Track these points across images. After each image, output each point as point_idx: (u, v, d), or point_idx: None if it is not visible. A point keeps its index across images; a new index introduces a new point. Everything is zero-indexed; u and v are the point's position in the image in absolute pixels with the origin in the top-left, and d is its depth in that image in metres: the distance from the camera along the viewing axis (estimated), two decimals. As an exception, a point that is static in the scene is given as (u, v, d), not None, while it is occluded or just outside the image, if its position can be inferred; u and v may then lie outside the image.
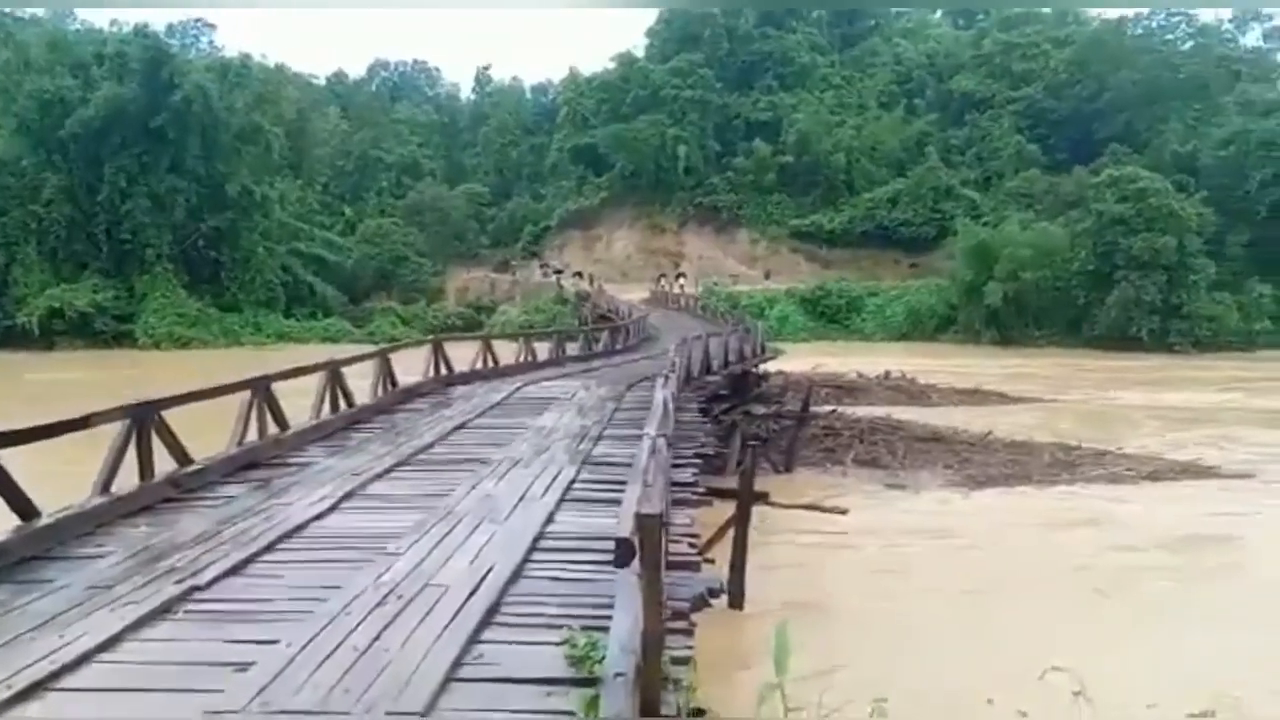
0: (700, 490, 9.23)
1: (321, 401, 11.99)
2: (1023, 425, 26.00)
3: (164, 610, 5.59)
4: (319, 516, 7.89)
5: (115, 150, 60.90)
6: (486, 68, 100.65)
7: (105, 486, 7.90)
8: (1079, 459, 21.86)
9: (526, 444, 11.14)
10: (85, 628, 5.23)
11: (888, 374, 35.46)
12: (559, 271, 76.94)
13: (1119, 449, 22.64)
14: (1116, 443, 23.43)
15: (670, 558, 6.18)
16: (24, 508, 7.13)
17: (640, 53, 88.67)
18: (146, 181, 61.61)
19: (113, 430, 8.27)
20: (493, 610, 5.47)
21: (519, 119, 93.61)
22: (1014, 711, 8.45)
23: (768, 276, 73.42)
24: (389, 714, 4.10)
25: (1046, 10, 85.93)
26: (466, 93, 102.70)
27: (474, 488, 8.91)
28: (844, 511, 15.82)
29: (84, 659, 4.83)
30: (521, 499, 8.43)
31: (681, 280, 71.87)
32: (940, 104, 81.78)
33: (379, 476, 9.46)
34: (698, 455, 10.63)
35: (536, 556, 6.69)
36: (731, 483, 13.09)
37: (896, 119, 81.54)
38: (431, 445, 11.13)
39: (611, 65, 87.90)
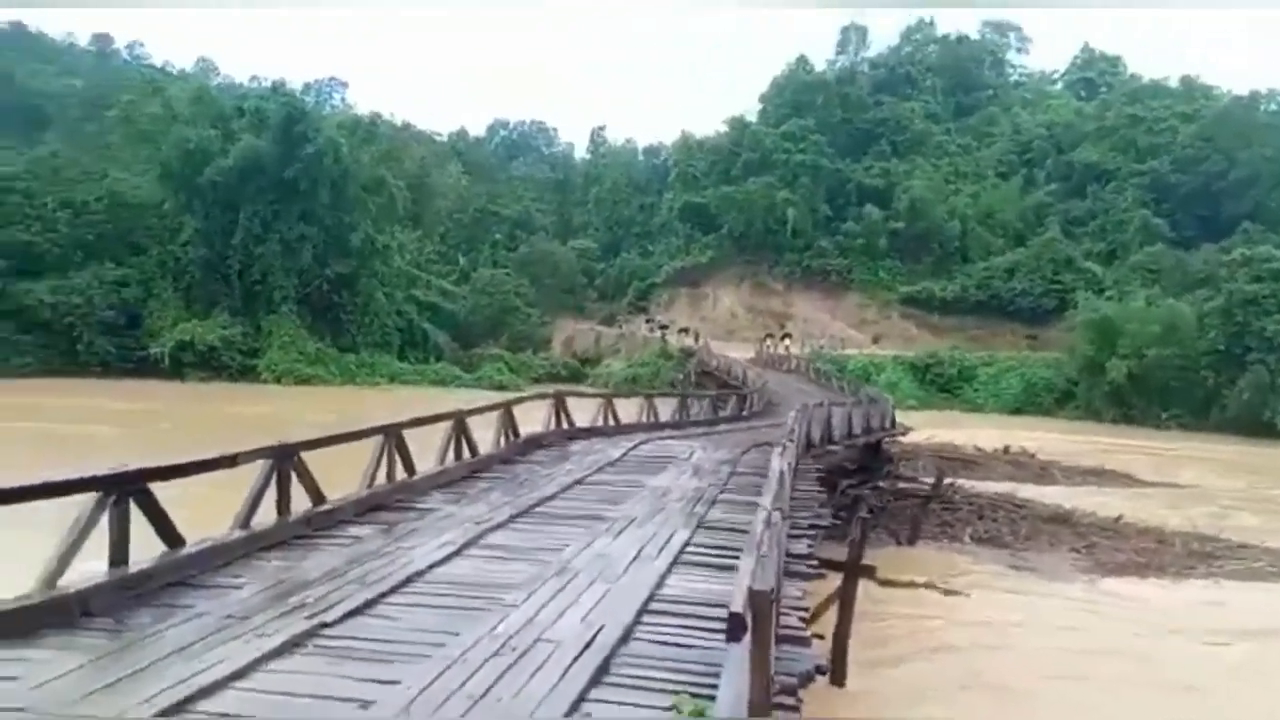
0: (814, 563, 9.05)
1: (446, 449, 12.18)
2: (1154, 511, 24.65)
3: (294, 644, 5.78)
4: (441, 562, 8.05)
5: (250, 198, 64.15)
6: (601, 128, 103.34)
7: (245, 521, 8.09)
8: (1216, 551, 20.56)
9: (642, 504, 11.10)
10: (221, 655, 5.47)
11: (1007, 448, 34.26)
12: (664, 327, 77.25)
13: (1262, 543, 21.21)
14: (1260, 536, 21.96)
15: (780, 630, 6.07)
16: (171, 536, 7.38)
17: (752, 117, 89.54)
18: (277, 228, 64.67)
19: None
20: (602, 669, 5.51)
21: (630, 178, 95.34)
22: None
23: (876, 341, 72.28)
24: None
25: (1174, 84, 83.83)
26: (581, 152, 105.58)
27: (589, 545, 8.94)
28: (966, 595, 15.27)
29: (220, 685, 5.05)
30: (635, 559, 8.43)
31: (787, 341, 71.25)
32: (1061, 175, 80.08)
33: (498, 526, 9.55)
34: (813, 526, 10.38)
35: (647, 619, 6.66)
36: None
37: (1014, 188, 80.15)
38: (550, 498, 11.18)
39: (723, 129, 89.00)
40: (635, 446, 16.12)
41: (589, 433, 17.35)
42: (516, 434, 14.49)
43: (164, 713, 4.61)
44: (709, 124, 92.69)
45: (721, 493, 12.07)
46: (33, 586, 6.24)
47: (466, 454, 12.74)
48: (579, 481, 12.46)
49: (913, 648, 13.22)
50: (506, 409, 14.21)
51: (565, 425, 16.84)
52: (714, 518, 10.53)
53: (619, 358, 74.43)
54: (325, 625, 6.15)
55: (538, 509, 10.54)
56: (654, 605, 6.97)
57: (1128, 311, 59.76)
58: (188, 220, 64.51)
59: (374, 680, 5.20)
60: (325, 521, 8.96)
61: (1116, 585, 17.90)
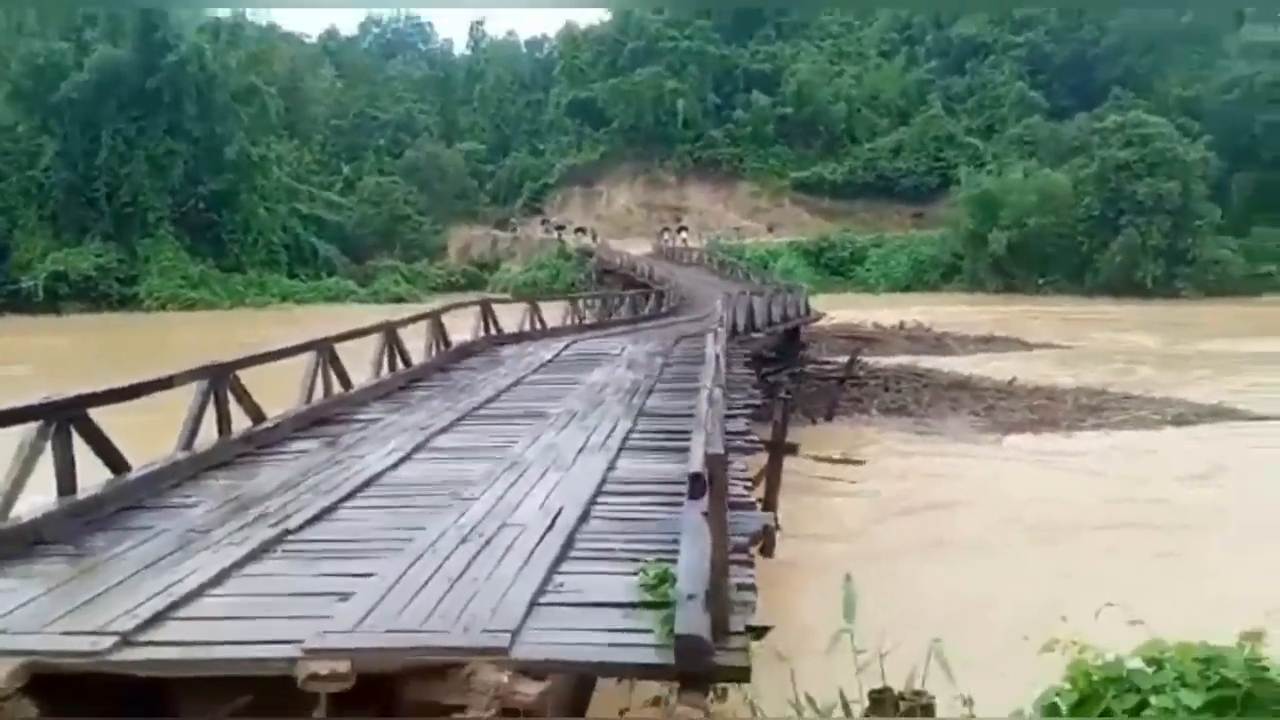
0: (752, 438, 9.54)
1: (380, 360, 12.18)
2: (1043, 372, 26.14)
3: (261, 551, 5.85)
4: (393, 467, 8.18)
5: (111, 114, 60.35)
6: (480, 23, 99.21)
7: (188, 443, 8.02)
8: (1103, 404, 22.01)
9: (581, 399, 11.35)
10: (192, 567, 5.49)
11: (903, 324, 35.59)
12: (560, 228, 76.50)
13: (1144, 393, 22.77)
14: (1139, 388, 23.56)
15: (728, 498, 6.44)
16: (115, 461, 7.31)
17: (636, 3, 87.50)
18: (144, 144, 61.18)
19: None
20: (567, 546, 5.79)
21: (515, 74, 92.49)
22: (1073, 640, 8.58)
23: (771, 229, 73.14)
24: (485, 631, 4.40)
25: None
26: (461, 49, 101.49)
27: (536, 439, 9.16)
28: (860, 462, 16.25)
29: (197, 593, 5.10)
30: (582, 449, 8.69)
31: (684, 234, 71.53)
32: (940, 51, 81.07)
33: (443, 430, 9.67)
34: (747, 405, 10.91)
35: (602, 499, 6.97)
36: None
37: (897, 68, 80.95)
38: (491, 400, 11.34)
39: (607, 17, 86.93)
40: (566, 347, 16.37)
41: (518, 337, 17.49)
42: (447, 343, 14.52)
43: (146, 624, 4.64)
44: (592, 13, 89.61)
45: (657, 383, 12.43)
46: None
47: (400, 365, 12.74)
48: (517, 383, 12.64)
49: (837, 518, 13.93)
50: (435, 318, 14.22)
51: (494, 331, 16.92)
52: (652, 405, 10.87)
53: (516, 261, 73.71)
54: (289, 532, 6.23)
55: (480, 411, 10.67)
56: (607, 487, 7.29)
57: (1007, 184, 61.84)
58: (46, 142, 60.42)
59: (349, 574, 5.32)
60: (268, 438, 8.95)
61: (1019, 441, 19.11)
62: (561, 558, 5.56)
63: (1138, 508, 14.21)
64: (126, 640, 4.45)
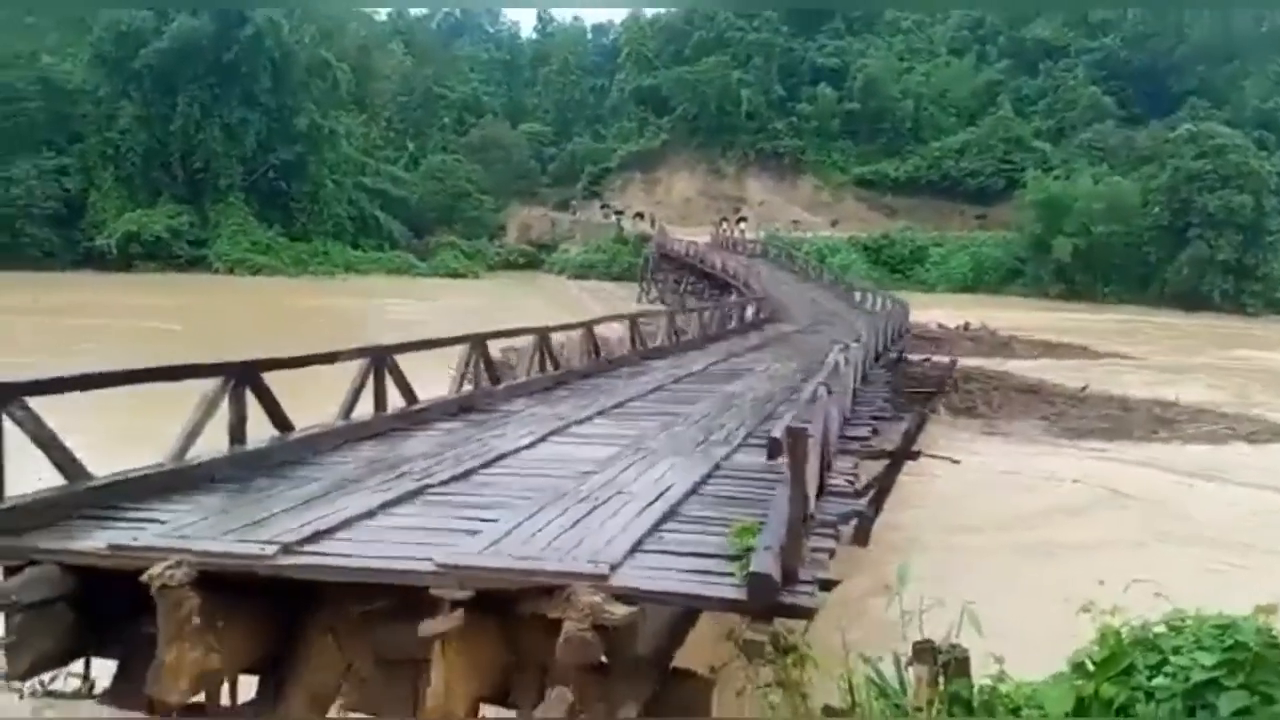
0: (870, 445, 10.45)
1: (531, 361, 12.80)
2: (1115, 381, 26.09)
3: (407, 498, 6.57)
4: (528, 446, 8.70)
5: (188, 81, 62.00)
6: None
7: (347, 413, 8.62)
8: (1177, 417, 21.96)
9: (715, 404, 11.84)
10: (344, 504, 6.19)
11: (967, 325, 35.52)
12: (619, 212, 76.97)
13: (1217, 409, 22.71)
14: (1213, 402, 23.48)
15: (829, 489, 7.30)
16: (282, 422, 7.91)
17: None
18: (218, 112, 62.75)
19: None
20: (670, 513, 6.36)
21: (580, 59, 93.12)
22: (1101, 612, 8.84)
23: (834, 224, 72.89)
24: (589, 562, 5.07)
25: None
26: (528, 31, 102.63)
27: (664, 431, 9.65)
28: (957, 461, 16.41)
29: (348, 522, 5.81)
30: (705, 441, 9.17)
31: (742, 225, 71.60)
32: (1013, 52, 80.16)
33: (581, 422, 10.20)
34: (875, 418, 11.92)
35: (712, 481, 7.47)
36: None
37: (967, 66, 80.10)
38: (629, 401, 11.89)
39: (674, 7, 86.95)
40: (714, 362, 16.80)
41: (663, 351, 17.65)
42: (598, 353, 14.98)
43: (305, 540, 5.33)
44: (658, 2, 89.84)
45: (793, 393, 12.79)
46: (164, 458, 6.72)
47: (549, 368, 13.27)
48: (658, 388, 13.18)
49: (925, 511, 14.20)
50: (588, 329, 14.72)
51: (641, 345, 17.36)
52: (784, 412, 11.22)
53: (574, 243, 74.37)
54: (429, 487, 6.91)
55: (617, 410, 11.18)
56: (719, 472, 7.78)
57: (1074, 189, 61.19)
58: (125, 106, 62.31)
59: (479, 519, 6.04)
60: (418, 418, 9.54)
61: (1082, 448, 19.27)
62: (665, 519, 6.16)
63: (1212, 519, 14.34)
64: (288, 549, 5.17)
